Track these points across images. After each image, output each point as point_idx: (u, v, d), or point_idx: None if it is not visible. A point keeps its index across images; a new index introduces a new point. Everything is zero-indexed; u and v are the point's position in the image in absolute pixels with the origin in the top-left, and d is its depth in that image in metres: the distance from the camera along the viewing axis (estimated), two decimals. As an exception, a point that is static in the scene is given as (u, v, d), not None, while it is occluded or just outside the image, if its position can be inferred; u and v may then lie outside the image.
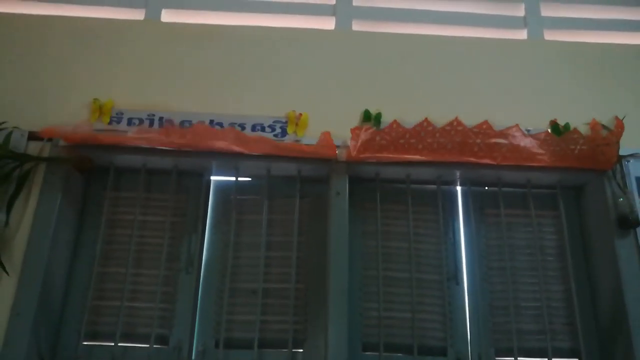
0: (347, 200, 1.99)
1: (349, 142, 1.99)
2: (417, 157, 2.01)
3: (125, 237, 2.02)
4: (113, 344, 1.88)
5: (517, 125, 2.04)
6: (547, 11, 2.49)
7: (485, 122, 2.01)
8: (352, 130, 1.91)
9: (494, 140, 2.00)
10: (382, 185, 2.11)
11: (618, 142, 2.02)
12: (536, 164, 2.03)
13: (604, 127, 2.12)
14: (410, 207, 2.10)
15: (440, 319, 1.99)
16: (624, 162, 2.08)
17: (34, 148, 1.99)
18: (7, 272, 1.81)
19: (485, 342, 1.97)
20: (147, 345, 1.88)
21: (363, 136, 1.91)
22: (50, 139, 1.99)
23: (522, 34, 2.43)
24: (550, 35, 2.43)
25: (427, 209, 2.13)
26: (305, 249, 2.06)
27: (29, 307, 1.79)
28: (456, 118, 1.97)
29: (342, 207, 1.98)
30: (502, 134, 2.02)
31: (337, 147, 2.00)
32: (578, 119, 2.15)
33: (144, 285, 1.98)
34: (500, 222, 2.12)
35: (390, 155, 2.01)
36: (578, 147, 2.02)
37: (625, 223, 1.98)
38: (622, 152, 2.05)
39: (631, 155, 2.08)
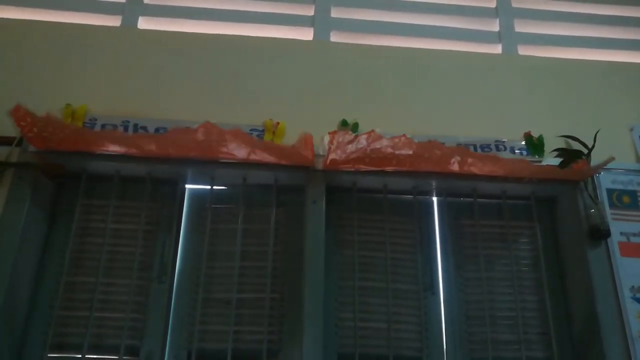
0: (324, 209, 1.98)
1: (326, 146, 1.96)
2: (393, 167, 2.02)
3: (97, 245, 1.96)
4: (80, 355, 1.81)
5: (495, 155, 2.09)
6: (520, 27, 2.55)
7: (466, 149, 2.03)
8: (330, 134, 1.91)
9: (470, 160, 2.02)
10: (359, 195, 2.11)
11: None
12: (510, 176, 2.05)
13: (587, 148, 2.13)
14: (387, 217, 2.09)
15: (416, 329, 1.97)
16: (595, 174, 2.12)
17: (1, 153, 1.93)
18: (-32, 281, 1.74)
19: (461, 352, 1.97)
20: (117, 357, 1.82)
21: (340, 139, 1.91)
22: (19, 144, 1.94)
23: (496, 49, 2.48)
24: (524, 50, 2.49)
25: (403, 219, 2.13)
26: (281, 259, 2.03)
27: (-9, 319, 1.72)
28: (435, 141, 1.98)
29: (318, 216, 1.97)
30: (479, 156, 2.05)
31: (315, 155, 1.99)
32: (551, 132, 2.19)
33: (115, 295, 1.92)
34: (475, 232, 2.13)
35: (367, 167, 2.01)
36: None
37: (597, 234, 2.01)
38: (593, 164, 2.08)
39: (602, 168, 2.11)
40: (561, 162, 2.07)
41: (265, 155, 1.96)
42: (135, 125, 2.05)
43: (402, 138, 1.96)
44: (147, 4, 2.40)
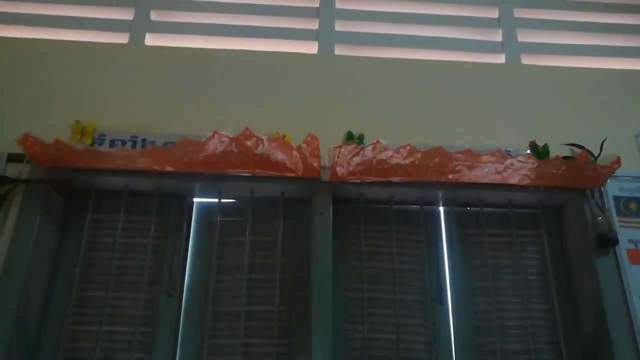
0: (331, 221, 1.99)
1: (332, 159, 1.98)
2: (399, 178, 2.03)
3: (106, 260, 1.98)
4: (91, 370, 1.83)
5: (498, 151, 2.07)
6: (523, 37, 2.56)
7: (469, 150, 2.02)
8: (336, 149, 1.92)
9: (476, 164, 2.02)
10: (365, 206, 2.12)
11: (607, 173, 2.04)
12: (517, 183, 2.06)
13: (592, 154, 2.14)
14: (394, 227, 2.10)
15: (425, 340, 1.97)
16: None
17: (13, 170, 1.96)
18: (-20, 297, 1.77)
19: (470, 362, 1.96)
20: (127, 371, 1.84)
21: (346, 153, 1.92)
22: (30, 161, 1.97)
23: (500, 58, 2.50)
24: (527, 60, 2.50)
25: (410, 230, 2.13)
26: (289, 271, 2.04)
27: (3, 333, 1.74)
28: (440, 147, 1.98)
29: (325, 228, 1.98)
30: (484, 160, 2.04)
31: (321, 167, 2.01)
32: (556, 140, 2.20)
33: (124, 309, 1.93)
34: (482, 242, 2.13)
35: (373, 178, 2.02)
36: (560, 172, 2.04)
37: (605, 242, 2.01)
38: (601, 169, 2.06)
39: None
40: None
41: (273, 156, 1.95)
42: (144, 141, 2.08)
43: (407, 147, 1.97)
44: (153, 21, 2.45)
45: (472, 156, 1.97)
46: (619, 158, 2.02)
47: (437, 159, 1.97)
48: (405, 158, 1.97)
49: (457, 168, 2.00)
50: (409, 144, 1.96)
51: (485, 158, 1.96)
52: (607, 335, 1.88)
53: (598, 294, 1.94)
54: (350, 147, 1.92)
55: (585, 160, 2.05)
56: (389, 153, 1.95)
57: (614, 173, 2.03)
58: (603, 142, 2.16)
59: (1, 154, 1.97)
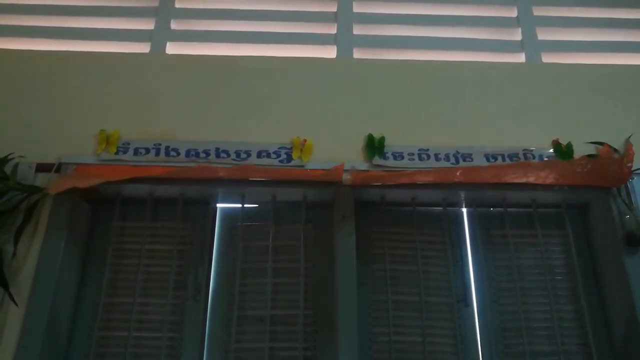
0: (354, 224, 1.99)
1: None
2: (422, 180, 2.03)
3: (132, 266, 2.01)
4: (120, 375, 1.85)
5: (526, 162, 2.10)
6: (543, 35, 2.54)
7: (495, 166, 2.06)
8: (353, 174, 1.99)
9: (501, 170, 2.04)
10: (388, 208, 2.11)
11: (630, 165, 2.02)
12: (541, 182, 2.04)
13: (616, 151, 2.12)
14: (417, 229, 2.09)
15: (451, 342, 1.95)
16: (629, 179, 2.08)
17: (41, 179, 2.01)
18: (16, 304, 1.80)
19: (497, 364, 1.94)
20: (155, 376, 1.86)
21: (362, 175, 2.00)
22: (58, 170, 2.02)
23: (520, 58, 2.48)
24: (548, 58, 2.47)
25: (433, 232, 2.12)
26: (313, 275, 2.04)
27: (35, 340, 1.77)
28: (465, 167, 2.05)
29: (348, 231, 1.98)
30: (509, 166, 2.06)
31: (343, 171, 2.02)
32: (579, 138, 2.17)
33: (151, 315, 1.95)
34: (507, 242, 2.11)
35: (396, 178, 2.03)
36: (585, 170, 2.03)
37: (634, 241, 1.97)
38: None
39: (635, 172, 2.07)
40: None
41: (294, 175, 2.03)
42: (167, 148, 2.11)
43: (424, 172, 2.02)
44: (174, 30, 2.48)
45: (497, 169, 1.97)
46: (630, 143, 2.03)
47: (461, 172, 2.00)
48: (427, 175, 1.99)
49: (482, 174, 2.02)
50: (425, 170, 2.02)
51: (510, 171, 1.97)
52: (639, 335, 1.84)
53: (628, 294, 1.90)
54: (367, 174, 1.98)
55: (608, 154, 2.03)
56: (408, 175, 1.99)
57: (632, 161, 2.01)
58: (628, 138, 2.13)
59: (30, 164, 2.02)
